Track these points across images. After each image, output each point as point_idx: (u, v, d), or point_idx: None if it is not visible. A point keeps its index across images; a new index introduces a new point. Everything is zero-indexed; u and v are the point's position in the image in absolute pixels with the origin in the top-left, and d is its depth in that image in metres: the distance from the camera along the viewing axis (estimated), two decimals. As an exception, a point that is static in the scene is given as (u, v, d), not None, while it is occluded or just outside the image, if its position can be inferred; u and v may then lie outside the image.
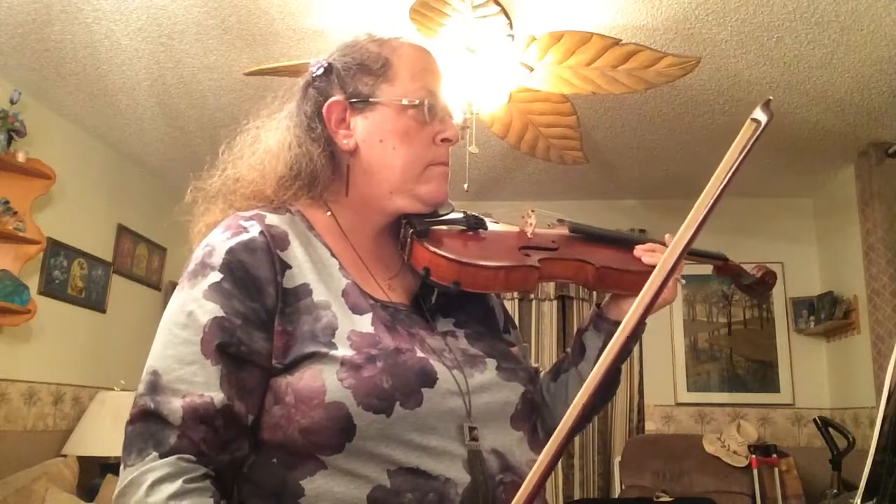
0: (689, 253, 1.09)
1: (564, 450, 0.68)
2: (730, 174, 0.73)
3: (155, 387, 0.79)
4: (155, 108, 3.44)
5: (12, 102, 3.06)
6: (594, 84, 2.51)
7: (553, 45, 2.38)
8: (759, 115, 0.76)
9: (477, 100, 2.53)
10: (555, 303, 4.50)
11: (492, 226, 1.02)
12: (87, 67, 3.07)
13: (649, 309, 0.74)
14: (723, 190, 0.72)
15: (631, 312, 0.74)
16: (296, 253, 0.87)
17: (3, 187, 3.09)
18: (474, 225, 0.99)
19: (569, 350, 1.09)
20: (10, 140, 3.06)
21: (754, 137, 0.74)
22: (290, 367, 0.81)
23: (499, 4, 2.28)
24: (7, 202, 3.08)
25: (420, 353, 0.84)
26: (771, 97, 0.77)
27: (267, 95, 1.02)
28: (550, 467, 0.67)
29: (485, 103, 2.58)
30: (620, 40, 2.33)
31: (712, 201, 0.73)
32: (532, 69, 2.49)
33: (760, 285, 1.18)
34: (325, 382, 0.78)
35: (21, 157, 3.08)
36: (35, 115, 3.30)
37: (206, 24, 2.74)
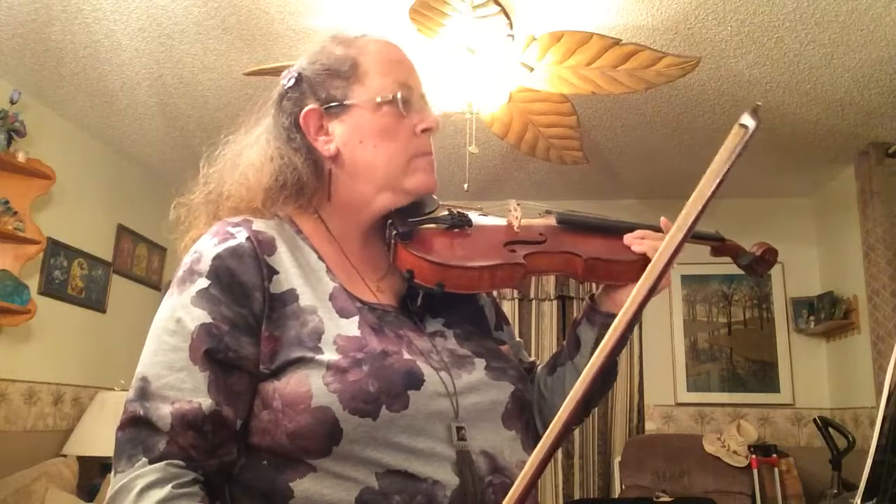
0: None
1: (560, 444, 0.67)
2: (719, 180, 0.73)
3: (144, 393, 0.79)
4: (155, 108, 3.44)
5: (12, 102, 3.06)
6: (594, 84, 2.51)
7: (553, 45, 2.38)
8: (748, 120, 0.76)
9: (477, 100, 2.53)
10: (555, 303, 4.50)
11: (479, 220, 1.01)
12: (87, 67, 3.07)
13: (643, 305, 0.73)
14: (712, 196, 0.72)
15: (620, 316, 0.72)
16: (283, 258, 0.88)
17: (3, 187, 3.09)
18: (459, 223, 0.98)
19: (564, 343, 1.08)
20: (10, 140, 3.06)
21: (742, 143, 0.74)
22: (278, 373, 0.81)
23: (499, 4, 2.28)
24: (7, 202, 3.08)
25: (407, 356, 0.84)
26: (760, 102, 0.77)
27: (245, 111, 1.01)
28: (545, 462, 0.66)
29: (485, 103, 2.58)
30: (620, 40, 2.33)
31: (702, 207, 0.72)
32: (532, 69, 2.49)
33: (761, 264, 1.15)
34: (311, 387, 0.79)
35: (21, 157, 3.08)
36: (35, 115, 3.30)
37: (206, 24, 2.74)
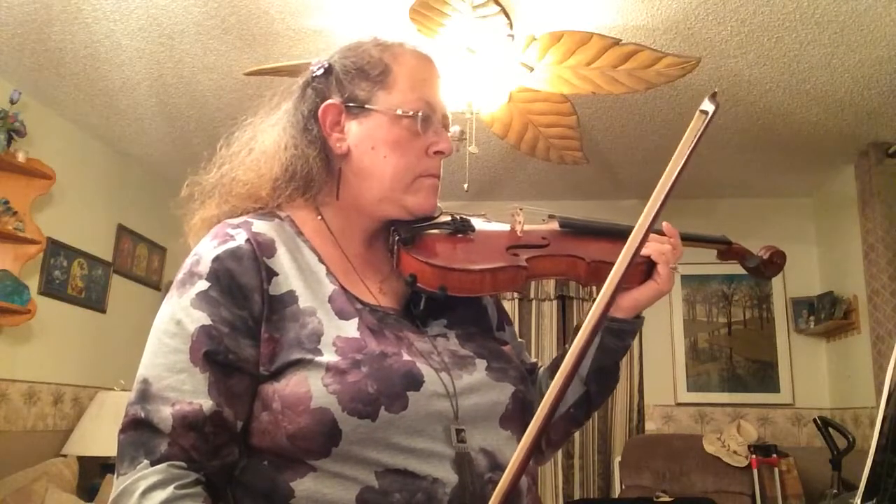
0: (692, 239, 1.09)
1: (544, 432, 0.69)
2: (684, 161, 0.79)
3: (145, 395, 0.80)
4: (155, 108, 3.44)
5: (12, 102, 3.06)
6: (594, 84, 2.51)
7: (553, 45, 2.38)
8: (708, 105, 0.83)
9: (477, 100, 2.54)
10: (555, 303, 4.50)
11: (482, 226, 1.02)
12: (87, 67, 3.08)
13: (616, 293, 0.77)
14: (678, 176, 0.79)
15: (601, 294, 0.76)
16: (282, 260, 0.88)
17: (3, 187, 3.09)
18: (462, 228, 0.98)
19: (567, 346, 1.09)
20: (10, 140, 3.06)
21: (703, 126, 0.81)
22: (277, 374, 0.82)
23: (499, 4, 2.28)
24: (7, 202, 3.08)
25: (406, 357, 0.84)
26: (717, 89, 0.85)
27: (266, 95, 1.02)
28: (530, 452, 0.68)
29: (485, 103, 2.58)
30: (620, 40, 2.33)
31: (669, 188, 0.79)
32: (532, 69, 2.49)
33: (769, 267, 1.15)
34: (310, 389, 0.79)
35: (21, 157, 3.08)
36: (35, 115, 3.30)
37: (206, 24, 2.74)
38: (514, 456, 0.69)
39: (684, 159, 0.79)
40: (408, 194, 0.94)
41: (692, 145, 0.79)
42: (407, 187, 0.94)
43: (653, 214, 0.78)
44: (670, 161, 0.80)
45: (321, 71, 0.97)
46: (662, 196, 0.78)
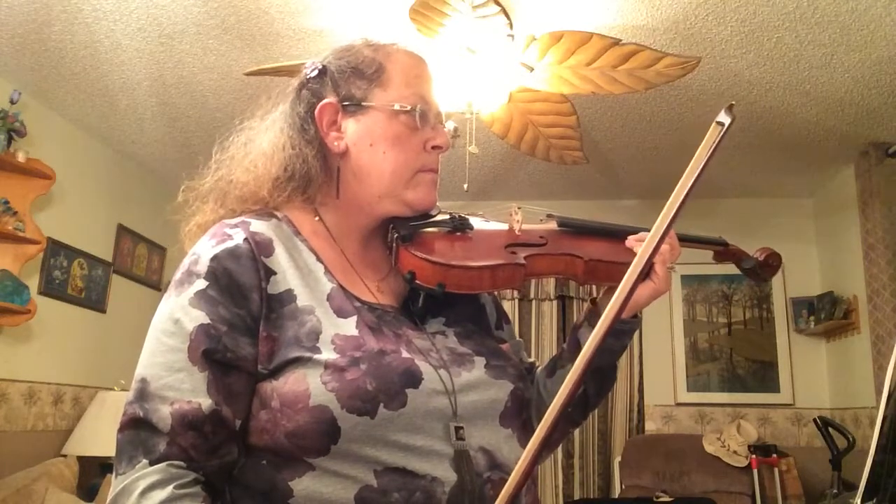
0: (688, 240, 1.09)
1: (548, 439, 0.69)
2: (699, 171, 0.82)
3: (143, 394, 0.80)
4: (155, 108, 3.44)
5: (12, 102, 3.06)
6: (594, 84, 2.51)
7: (553, 45, 2.38)
8: (724, 118, 0.84)
9: (477, 100, 2.54)
10: (555, 303, 4.50)
11: (481, 224, 1.02)
12: (87, 67, 3.08)
13: (629, 297, 0.77)
14: (692, 186, 0.81)
15: (612, 302, 0.77)
16: (280, 259, 0.88)
17: (3, 187, 3.09)
18: (460, 226, 0.99)
19: (564, 346, 1.09)
20: (10, 140, 3.06)
21: (719, 138, 0.83)
22: (276, 373, 0.82)
23: (499, 4, 2.28)
24: (7, 202, 3.08)
25: (405, 354, 0.84)
26: (734, 102, 0.87)
27: (262, 98, 1.02)
28: (536, 456, 0.68)
29: (485, 103, 2.58)
30: (620, 40, 2.33)
31: (684, 196, 0.81)
32: (532, 69, 2.49)
33: (765, 269, 1.16)
34: (309, 386, 0.79)
35: (21, 157, 3.08)
36: (35, 115, 3.30)
37: (206, 24, 2.74)
38: (520, 461, 0.69)
39: (700, 169, 0.80)
40: (408, 189, 0.95)
41: (708, 156, 0.80)
42: (407, 183, 0.94)
43: (667, 223, 0.79)
44: (685, 170, 0.81)
45: (315, 72, 0.97)
46: (677, 204, 0.79)
